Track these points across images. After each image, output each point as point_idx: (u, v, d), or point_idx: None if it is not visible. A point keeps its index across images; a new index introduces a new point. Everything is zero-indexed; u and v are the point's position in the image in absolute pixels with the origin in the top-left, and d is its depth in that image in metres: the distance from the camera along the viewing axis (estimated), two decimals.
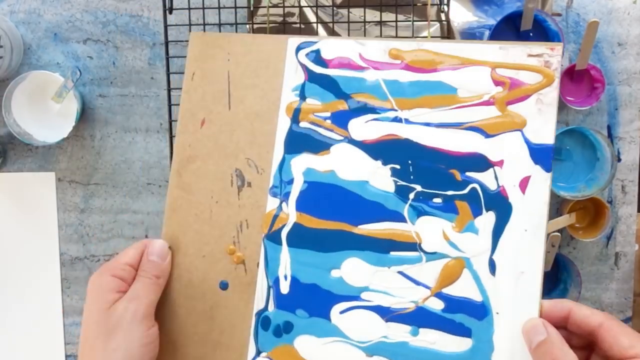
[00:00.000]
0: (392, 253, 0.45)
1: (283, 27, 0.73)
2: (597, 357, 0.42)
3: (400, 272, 0.44)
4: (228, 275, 0.50)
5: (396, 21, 0.69)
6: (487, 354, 0.42)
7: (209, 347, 0.49)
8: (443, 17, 0.73)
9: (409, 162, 0.45)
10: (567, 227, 0.77)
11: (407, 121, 0.45)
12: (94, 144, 0.80)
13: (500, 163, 0.43)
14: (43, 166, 0.80)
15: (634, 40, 0.79)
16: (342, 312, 0.45)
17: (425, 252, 0.44)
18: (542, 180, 0.42)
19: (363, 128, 0.47)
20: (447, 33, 0.69)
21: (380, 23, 0.69)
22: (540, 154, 0.42)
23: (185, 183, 0.52)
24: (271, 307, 0.48)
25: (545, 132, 0.43)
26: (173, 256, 0.51)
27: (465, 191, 0.43)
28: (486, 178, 0.43)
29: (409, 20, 0.74)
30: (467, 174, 0.43)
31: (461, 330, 0.42)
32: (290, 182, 0.49)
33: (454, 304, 0.43)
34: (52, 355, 0.81)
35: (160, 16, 0.76)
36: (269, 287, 0.48)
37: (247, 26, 0.75)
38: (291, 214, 0.49)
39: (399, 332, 0.44)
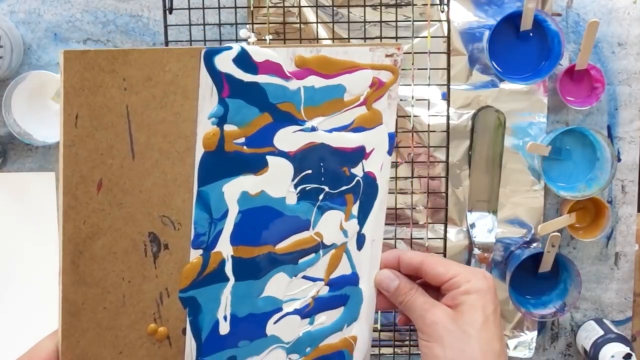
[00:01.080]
0: (300, 261, 0.47)
1: (283, 27, 0.73)
2: (438, 294, 0.47)
3: (304, 277, 0.47)
4: (152, 359, 0.43)
5: (396, 21, 0.69)
6: (358, 305, 0.49)
7: None
8: (443, 17, 0.73)
9: (321, 164, 0.47)
10: (567, 227, 0.77)
11: (317, 128, 0.47)
12: None
13: (370, 152, 0.48)
14: (43, 166, 0.80)
15: (634, 40, 0.79)
16: (275, 323, 0.47)
17: (324, 248, 0.48)
18: (388, 162, 0.49)
19: (290, 139, 0.45)
20: (447, 33, 0.69)
21: (380, 23, 0.69)
22: (389, 142, 0.48)
23: (86, 274, 0.39)
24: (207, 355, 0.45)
25: (391, 123, 0.48)
26: None
27: (353, 184, 0.48)
28: (359, 169, 0.48)
29: (409, 20, 0.74)
30: (352, 169, 0.48)
31: (343, 299, 0.49)
32: (223, 216, 0.43)
33: (337, 284, 0.49)
34: None
35: (160, 16, 0.76)
36: (198, 345, 0.44)
37: (247, 26, 0.75)
38: (225, 252, 0.44)
39: (303, 327, 0.48)
